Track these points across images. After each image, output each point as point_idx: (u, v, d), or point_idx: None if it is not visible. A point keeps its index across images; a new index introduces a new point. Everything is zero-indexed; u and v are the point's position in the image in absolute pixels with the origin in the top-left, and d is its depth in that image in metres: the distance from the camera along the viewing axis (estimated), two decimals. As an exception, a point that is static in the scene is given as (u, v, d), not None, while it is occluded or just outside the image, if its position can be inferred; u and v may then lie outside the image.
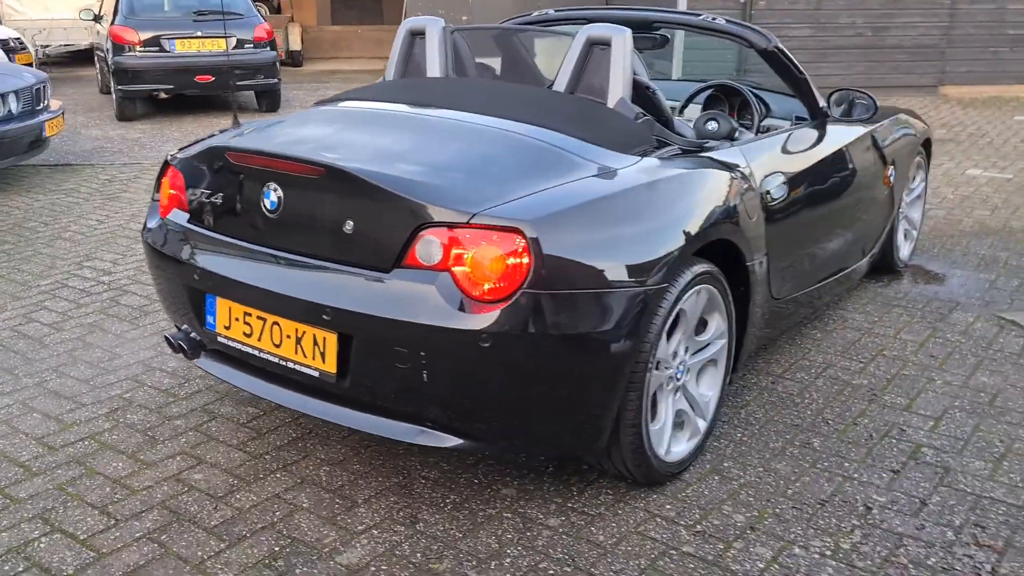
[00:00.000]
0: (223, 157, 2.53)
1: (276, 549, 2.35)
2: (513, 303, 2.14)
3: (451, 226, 2.18)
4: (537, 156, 2.44)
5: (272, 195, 2.42)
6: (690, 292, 2.51)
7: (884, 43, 10.59)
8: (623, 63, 2.80)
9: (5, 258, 4.88)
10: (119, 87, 9.28)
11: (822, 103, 3.51)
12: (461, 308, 2.16)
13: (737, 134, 3.37)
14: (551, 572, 2.26)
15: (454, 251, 2.18)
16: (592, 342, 2.24)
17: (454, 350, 2.16)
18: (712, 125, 3.54)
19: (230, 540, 2.38)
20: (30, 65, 11.73)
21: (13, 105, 6.36)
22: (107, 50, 9.61)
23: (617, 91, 2.80)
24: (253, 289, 2.45)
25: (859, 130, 3.69)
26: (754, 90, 3.78)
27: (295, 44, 15.20)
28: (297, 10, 16.78)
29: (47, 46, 14.29)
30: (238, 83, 9.62)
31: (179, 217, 2.73)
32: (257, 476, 2.70)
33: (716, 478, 2.71)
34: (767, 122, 3.72)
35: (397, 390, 2.28)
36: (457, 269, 2.18)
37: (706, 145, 2.92)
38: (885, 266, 4.46)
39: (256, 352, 2.51)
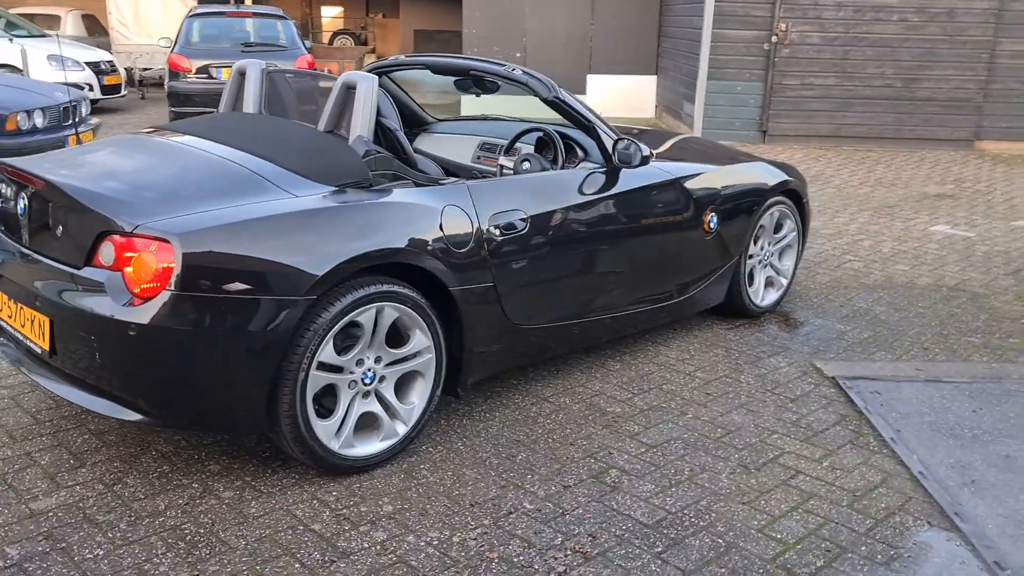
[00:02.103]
0: (2, 170, 3.10)
1: (-10, 492, 2.85)
2: (157, 301, 2.58)
3: (123, 234, 2.65)
4: (233, 181, 2.88)
5: (22, 202, 2.96)
6: (366, 308, 2.88)
7: (915, 95, 10.44)
8: (364, 106, 3.20)
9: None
10: (172, 108, 10.27)
11: (611, 148, 3.77)
12: (126, 303, 2.61)
13: None
14: (187, 531, 2.67)
15: (124, 254, 2.64)
16: (231, 340, 2.65)
17: (112, 337, 2.62)
18: (526, 165, 3.90)
19: (-38, 482, 2.90)
20: (118, 86, 13.04)
21: (39, 120, 7.26)
22: (165, 75, 10.65)
23: (356, 129, 3.21)
24: (7, 280, 2.98)
25: (658, 176, 3.94)
26: (568, 135, 4.07)
27: (369, 74, 16.17)
28: (381, 42, 17.79)
29: (147, 69, 15.70)
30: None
31: (-12, 219, 3.32)
32: (26, 438, 3.22)
33: (401, 476, 3.04)
34: (583, 164, 4.02)
35: (86, 368, 2.75)
36: (126, 270, 2.64)
37: (441, 181, 3.28)
38: (735, 310, 4.63)
39: (13, 331, 3.04)
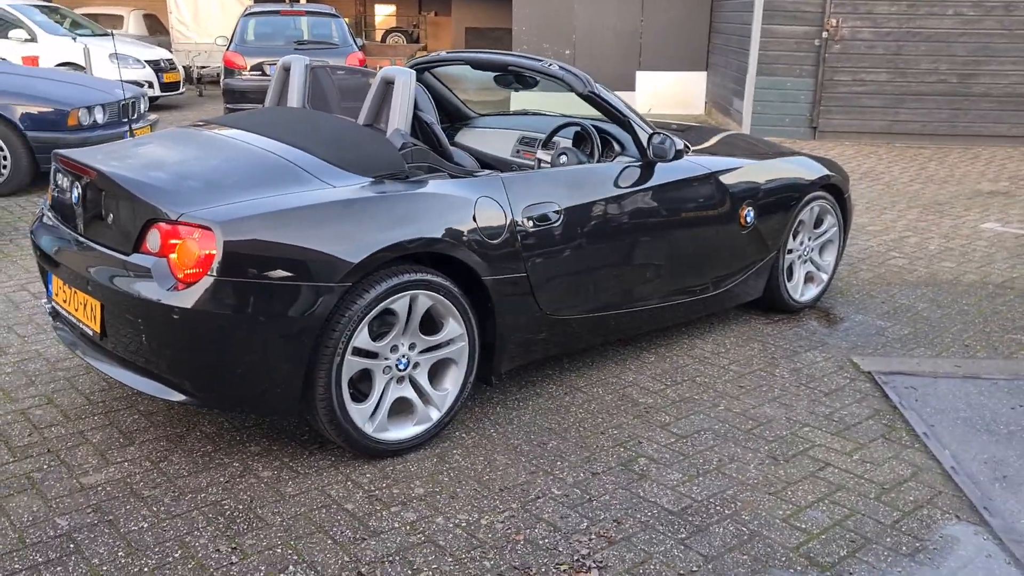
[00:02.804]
0: (59, 161, 3.25)
1: (43, 466, 3.00)
2: (200, 286, 2.69)
3: (168, 222, 2.77)
4: (272, 171, 2.99)
5: (76, 192, 3.11)
6: (400, 295, 2.96)
7: (971, 91, 10.22)
8: (401, 100, 3.29)
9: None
10: (227, 104, 10.53)
11: (646, 142, 3.80)
12: (171, 288, 2.74)
13: None
14: (227, 507, 2.78)
15: (170, 241, 2.77)
16: (269, 324, 2.75)
17: (157, 320, 2.74)
18: (563, 158, 3.96)
19: (15, 457, 3.06)
20: (177, 83, 13.38)
21: (99, 116, 7.53)
22: (220, 72, 10.91)
23: (394, 123, 3.30)
24: (63, 266, 3.13)
25: (693, 169, 3.96)
26: (605, 129, 4.11)
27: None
28: (433, 40, 17.95)
29: (205, 67, 16.08)
30: (329, 106, 10.64)
31: (45, 207, 3.48)
32: (79, 417, 3.37)
33: (433, 460, 3.12)
34: (620, 159, 4.05)
35: (134, 350, 2.89)
36: (171, 256, 2.76)
37: (475, 173, 3.35)
38: (774, 305, 4.62)
39: (67, 314, 3.20)
